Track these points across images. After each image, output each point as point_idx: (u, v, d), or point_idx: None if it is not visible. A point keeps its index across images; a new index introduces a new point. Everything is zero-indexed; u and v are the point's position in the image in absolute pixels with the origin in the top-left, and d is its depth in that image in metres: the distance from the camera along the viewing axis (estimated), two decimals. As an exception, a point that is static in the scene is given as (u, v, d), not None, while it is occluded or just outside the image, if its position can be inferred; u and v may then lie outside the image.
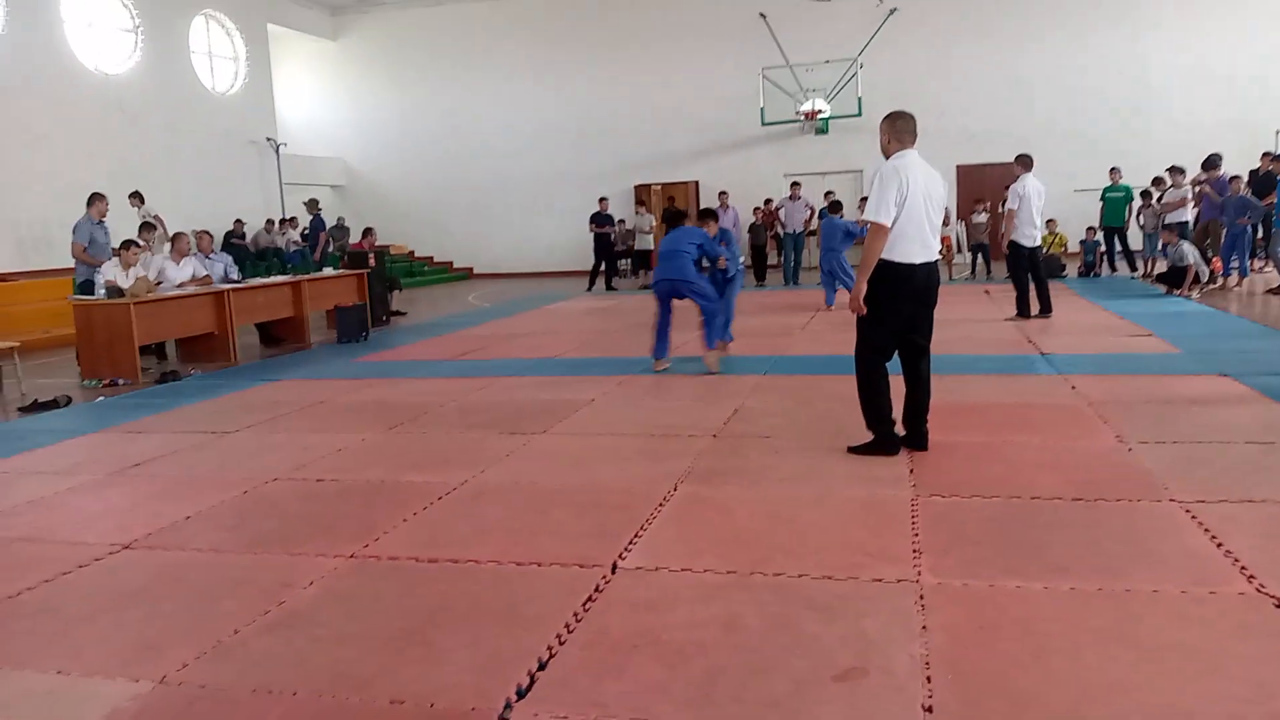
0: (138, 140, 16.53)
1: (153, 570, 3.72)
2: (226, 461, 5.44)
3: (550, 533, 3.90)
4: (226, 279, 10.58)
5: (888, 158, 4.78)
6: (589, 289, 17.13)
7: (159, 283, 9.62)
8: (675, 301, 7.85)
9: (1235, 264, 12.10)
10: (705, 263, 7.94)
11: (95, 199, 10.12)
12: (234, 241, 17.20)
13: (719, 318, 7.89)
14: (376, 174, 23.10)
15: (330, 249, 16.85)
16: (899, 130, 4.77)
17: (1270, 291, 11.27)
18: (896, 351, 4.87)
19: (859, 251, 5.27)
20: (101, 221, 10.07)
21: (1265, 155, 13.54)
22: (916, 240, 4.66)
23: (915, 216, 4.64)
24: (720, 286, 8.21)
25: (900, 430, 4.91)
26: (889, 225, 4.61)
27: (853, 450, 4.89)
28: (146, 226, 12.20)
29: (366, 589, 3.41)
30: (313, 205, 16.94)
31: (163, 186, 16.73)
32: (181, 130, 17.55)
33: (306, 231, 17.49)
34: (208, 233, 11.19)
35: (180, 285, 9.83)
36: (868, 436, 4.91)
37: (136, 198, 13.03)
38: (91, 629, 3.18)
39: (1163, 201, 13.57)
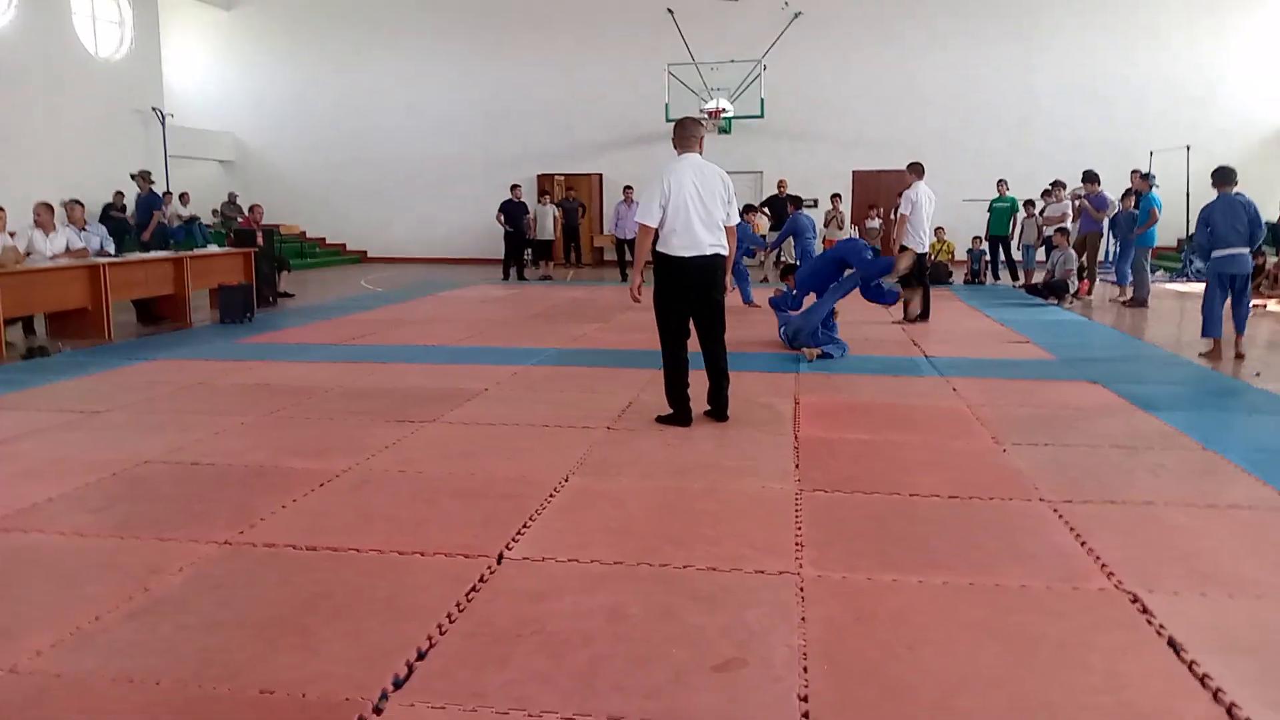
0: (13, 102, 15.62)
1: (9, 552, 3.52)
2: (96, 442, 5.19)
3: (436, 522, 3.84)
4: (101, 253, 10.09)
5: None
6: (505, 278, 16.87)
7: (29, 253, 9.12)
8: None
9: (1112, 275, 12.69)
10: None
11: None
12: (113, 214, 16.34)
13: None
14: (269, 150, 22.37)
15: (182, 222, 15.97)
16: (680, 137, 5.42)
17: (1124, 303, 11.87)
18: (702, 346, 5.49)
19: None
20: None
21: (1134, 173, 14.24)
22: (685, 236, 5.23)
23: (682, 215, 5.21)
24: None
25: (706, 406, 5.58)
26: (653, 226, 5.25)
27: (659, 420, 5.52)
28: None
29: (240, 576, 3.29)
30: (144, 179, 15.43)
31: (41, 152, 15.90)
32: (61, 94, 16.64)
33: (131, 208, 15.56)
34: (79, 203, 10.61)
35: (53, 257, 9.34)
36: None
37: None
38: (-63, 615, 2.99)
39: (1044, 214, 14.16)
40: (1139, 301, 11.66)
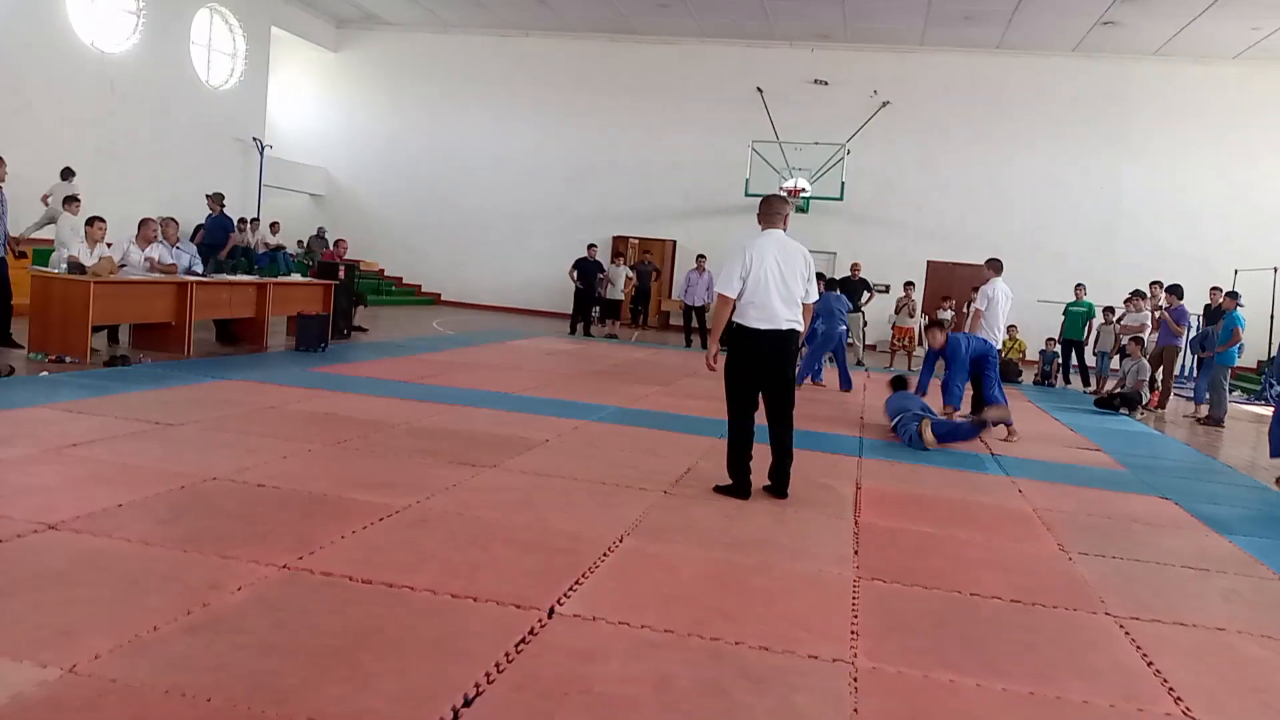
0: (124, 120, 16.40)
1: (77, 554, 3.60)
2: (167, 454, 5.32)
3: (490, 568, 3.84)
4: (189, 271, 10.44)
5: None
6: (571, 333, 17.12)
7: (123, 265, 9.46)
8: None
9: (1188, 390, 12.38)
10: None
11: None
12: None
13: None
14: (357, 188, 23.06)
15: (268, 250, 16.52)
16: (764, 213, 5.51)
17: (1199, 420, 11.56)
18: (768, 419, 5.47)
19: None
20: None
21: (1215, 290, 13.99)
22: (763, 309, 5.27)
23: (761, 289, 5.25)
24: None
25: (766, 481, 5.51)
26: (732, 297, 5.30)
27: (717, 489, 5.49)
28: (71, 200, 11.93)
29: (296, 601, 3.32)
30: (217, 200, 15.71)
31: (143, 170, 16.60)
32: (169, 117, 17.44)
33: (202, 227, 15.62)
34: (174, 220, 11.02)
35: (151, 268, 9.69)
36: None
37: (70, 174, 12.99)
38: (4, 607, 3.06)
39: (1122, 323, 13.93)
40: (1215, 420, 11.34)
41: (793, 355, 5.43)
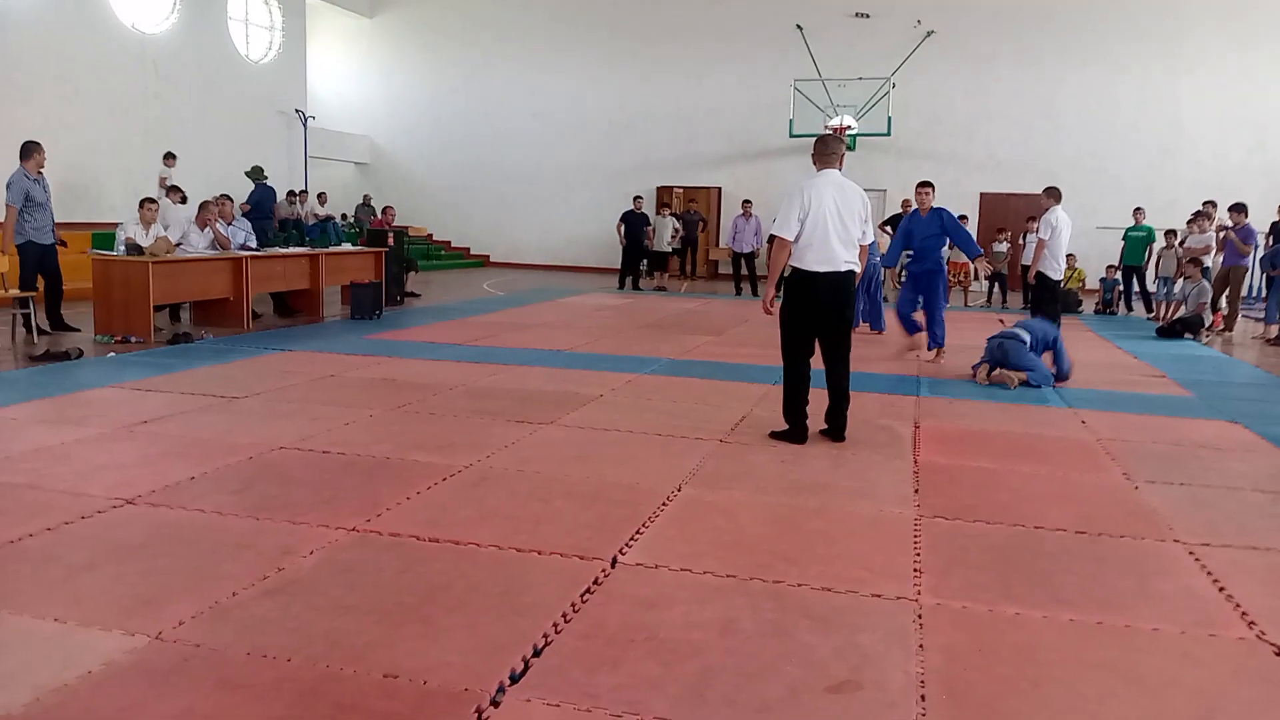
0: (169, 100, 16.62)
1: (155, 527, 3.73)
2: (234, 426, 5.46)
3: (552, 522, 3.90)
4: (244, 247, 10.61)
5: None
6: (620, 287, 17.09)
7: (179, 244, 9.65)
8: None
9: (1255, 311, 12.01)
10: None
11: (32, 149, 8.96)
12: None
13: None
14: (401, 154, 23.15)
15: (318, 221, 16.84)
16: (820, 154, 5.42)
17: (1269, 341, 11.24)
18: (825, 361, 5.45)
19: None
20: (39, 176, 9.02)
21: None
22: (820, 252, 5.21)
23: (819, 231, 5.19)
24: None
25: (823, 424, 5.51)
26: (790, 239, 5.24)
27: (772, 435, 5.49)
28: (174, 190, 12.31)
29: (367, 562, 3.41)
30: (257, 173, 16.19)
31: (191, 149, 16.81)
32: (213, 94, 17.62)
33: (245, 202, 15.60)
34: (229, 198, 11.22)
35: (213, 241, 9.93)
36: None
37: (171, 158, 13.30)
38: (91, 580, 3.19)
39: (1186, 245, 13.54)
40: (1286, 340, 11.02)
41: (851, 297, 5.37)
